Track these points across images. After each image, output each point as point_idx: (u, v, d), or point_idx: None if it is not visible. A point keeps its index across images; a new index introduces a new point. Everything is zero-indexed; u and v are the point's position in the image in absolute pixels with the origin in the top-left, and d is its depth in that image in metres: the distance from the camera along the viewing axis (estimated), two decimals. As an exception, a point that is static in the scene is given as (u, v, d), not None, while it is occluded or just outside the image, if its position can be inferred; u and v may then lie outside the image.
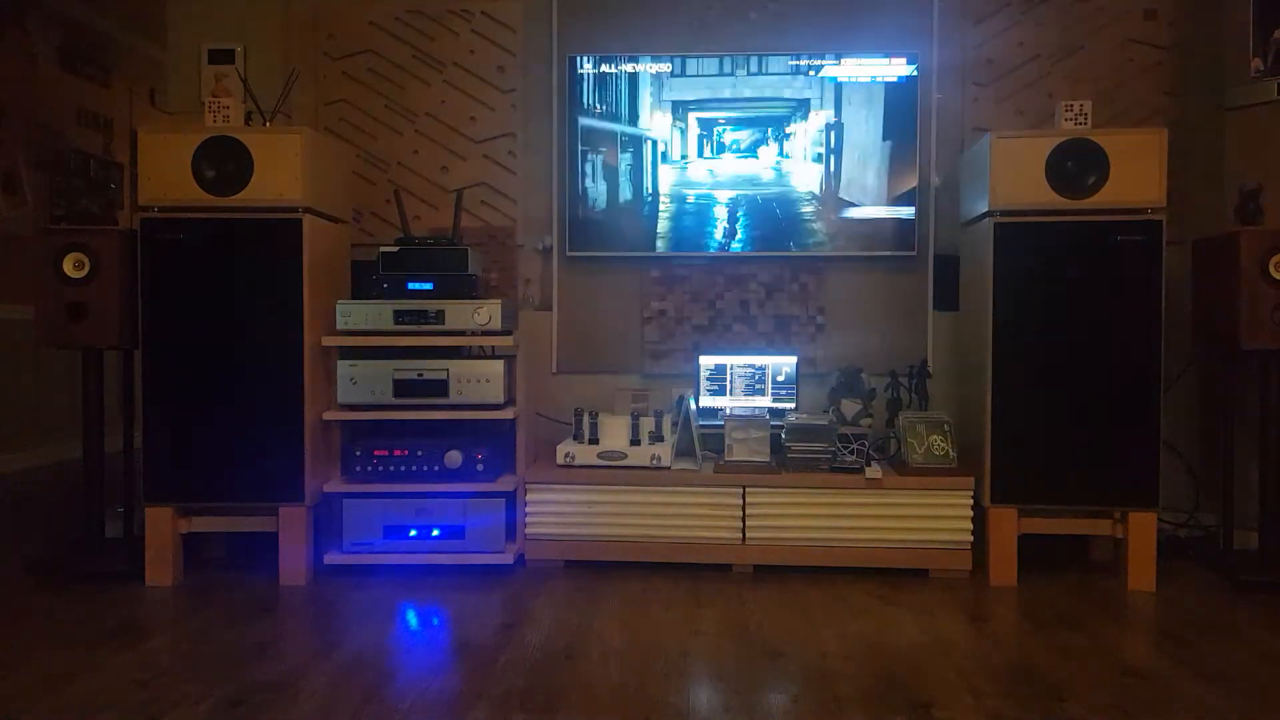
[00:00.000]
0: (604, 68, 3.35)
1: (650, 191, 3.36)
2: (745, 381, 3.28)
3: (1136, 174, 2.69)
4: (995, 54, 3.36)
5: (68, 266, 2.75)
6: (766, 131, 3.32)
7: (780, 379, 3.27)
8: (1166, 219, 2.73)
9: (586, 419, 2.97)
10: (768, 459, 2.93)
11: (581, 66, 3.36)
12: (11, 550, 3.16)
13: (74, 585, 2.74)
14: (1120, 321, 2.71)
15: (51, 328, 2.77)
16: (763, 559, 2.88)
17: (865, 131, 3.30)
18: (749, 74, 3.32)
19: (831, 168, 3.30)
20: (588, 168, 3.37)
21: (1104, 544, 3.01)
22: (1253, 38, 3.09)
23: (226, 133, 2.71)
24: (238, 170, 2.70)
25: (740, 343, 3.43)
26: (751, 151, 3.32)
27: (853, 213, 3.31)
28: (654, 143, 3.35)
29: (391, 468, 2.81)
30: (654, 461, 2.90)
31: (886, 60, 3.28)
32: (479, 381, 2.81)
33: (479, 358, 2.91)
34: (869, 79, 3.28)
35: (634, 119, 3.35)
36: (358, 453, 2.81)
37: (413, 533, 2.82)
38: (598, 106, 3.36)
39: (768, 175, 3.32)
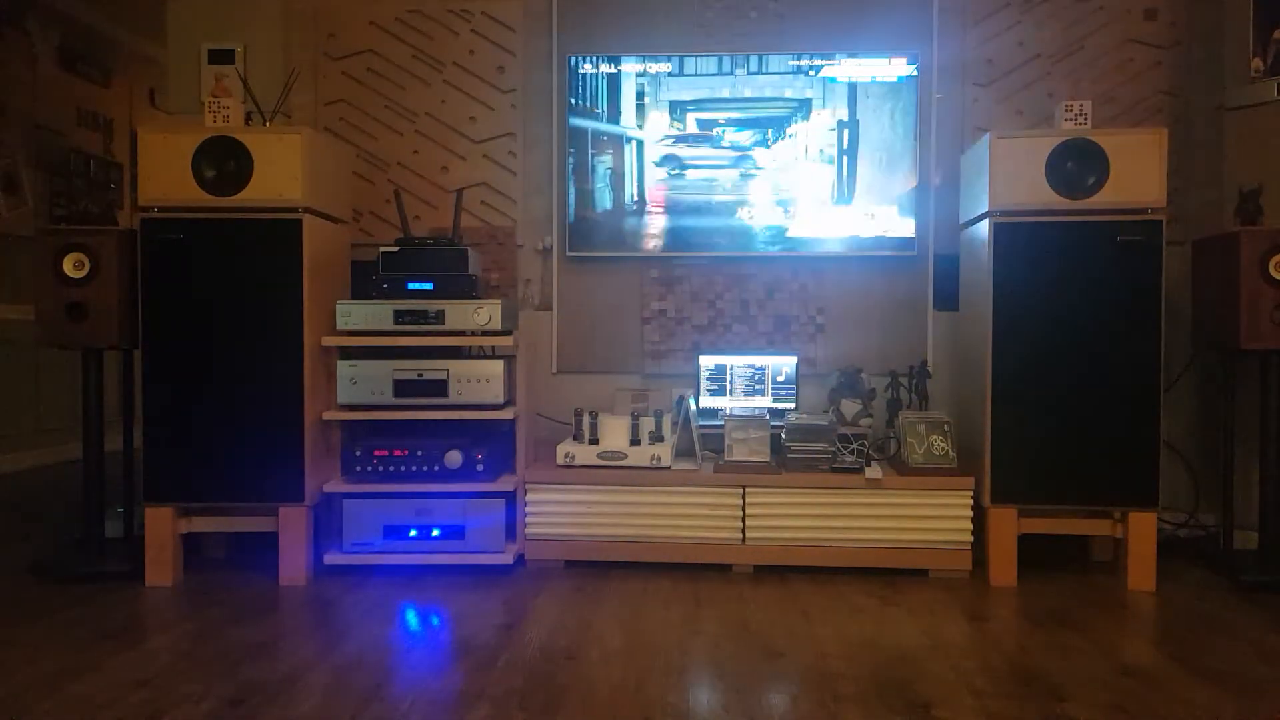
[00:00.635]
0: (604, 67, 3.35)
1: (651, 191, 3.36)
2: (745, 381, 3.28)
3: (1136, 174, 2.68)
4: (995, 54, 3.36)
5: (68, 266, 2.75)
6: (766, 132, 3.32)
7: (780, 379, 3.27)
8: (1166, 219, 2.73)
9: (586, 419, 2.97)
10: (768, 459, 2.93)
11: (581, 66, 3.36)
12: (12, 550, 3.16)
13: (74, 585, 2.74)
14: (1120, 321, 2.71)
15: (51, 328, 2.77)
16: (763, 559, 2.88)
17: (865, 131, 3.29)
18: (749, 73, 3.32)
19: (831, 167, 3.30)
20: (588, 168, 3.37)
21: (1104, 544, 3.02)
22: (1253, 38, 3.09)
23: (226, 133, 2.71)
24: (238, 170, 2.70)
25: (740, 343, 3.43)
26: (751, 152, 3.32)
27: (853, 212, 3.30)
28: (654, 143, 3.35)
29: (391, 468, 2.81)
30: (654, 462, 2.91)
31: (887, 60, 3.28)
32: (479, 381, 2.81)
33: (479, 358, 2.92)
34: (869, 79, 3.28)
35: (637, 119, 3.35)
36: (358, 453, 2.81)
37: (413, 533, 2.82)
38: (597, 107, 3.36)
39: (768, 175, 3.32)
